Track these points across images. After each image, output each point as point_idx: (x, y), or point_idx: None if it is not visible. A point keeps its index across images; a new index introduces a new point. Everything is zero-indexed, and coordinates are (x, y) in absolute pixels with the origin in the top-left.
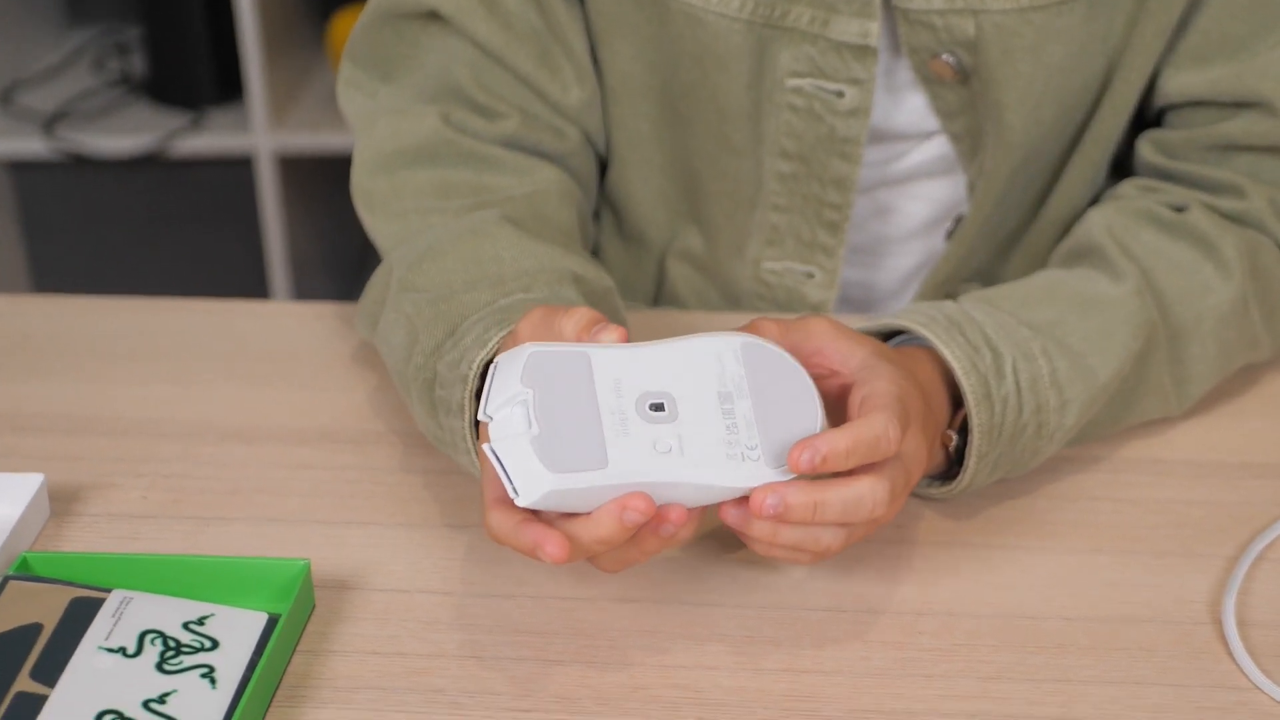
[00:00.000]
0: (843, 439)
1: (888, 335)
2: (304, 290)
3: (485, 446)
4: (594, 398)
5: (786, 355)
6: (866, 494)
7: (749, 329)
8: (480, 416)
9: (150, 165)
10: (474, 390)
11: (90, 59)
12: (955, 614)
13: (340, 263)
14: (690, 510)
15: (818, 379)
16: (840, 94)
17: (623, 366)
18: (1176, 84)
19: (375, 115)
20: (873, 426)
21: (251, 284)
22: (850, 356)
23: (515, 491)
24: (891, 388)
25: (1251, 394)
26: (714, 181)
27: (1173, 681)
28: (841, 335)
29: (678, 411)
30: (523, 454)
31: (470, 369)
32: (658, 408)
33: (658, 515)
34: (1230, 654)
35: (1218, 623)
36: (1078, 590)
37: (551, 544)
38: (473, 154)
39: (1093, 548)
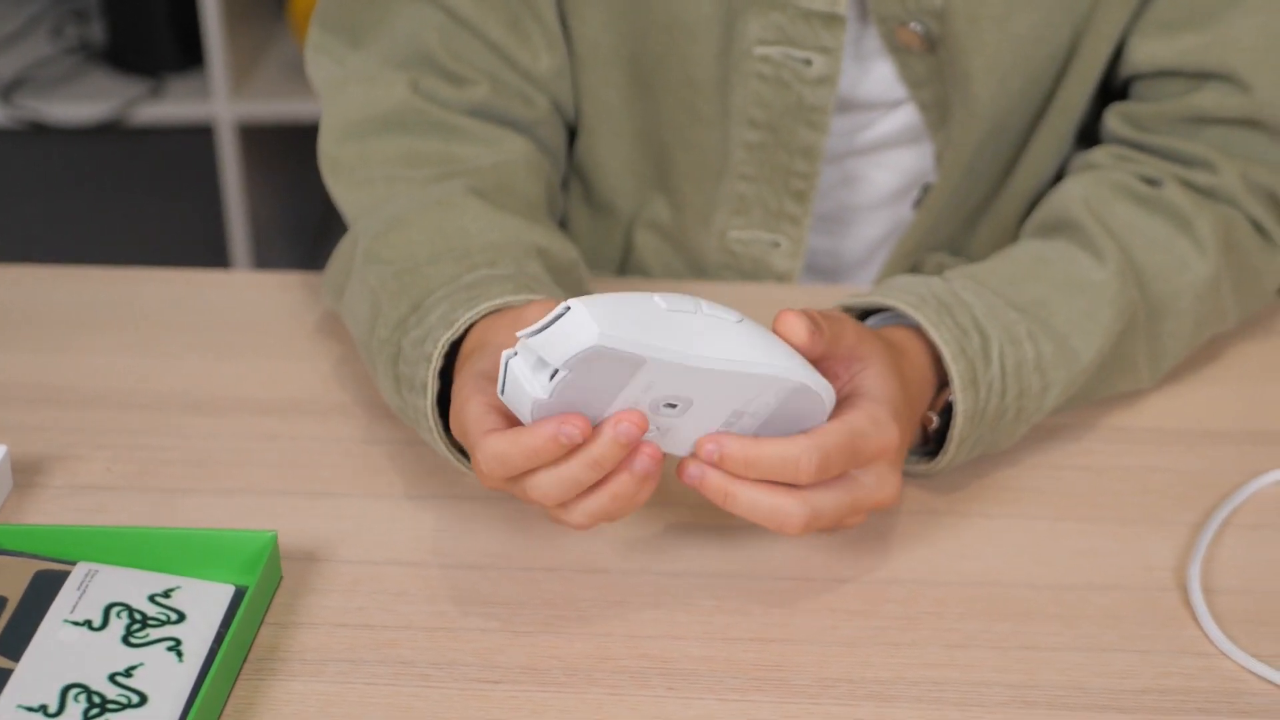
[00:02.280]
0: (744, 449)
1: (871, 310)
2: (264, 259)
3: (505, 354)
4: (619, 393)
5: (827, 408)
6: (779, 507)
7: (815, 329)
8: (520, 333)
9: (110, 133)
10: (438, 369)
11: (48, 26)
12: (922, 582)
13: (300, 232)
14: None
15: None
16: (808, 62)
17: (668, 378)
18: (1144, 53)
19: (344, 82)
20: (785, 451)
21: (212, 253)
22: (858, 366)
23: (501, 391)
24: (859, 423)
25: (1215, 362)
26: (682, 151)
27: (1139, 648)
28: (861, 344)
29: (686, 413)
30: (522, 404)
31: (435, 348)
32: (671, 405)
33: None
34: (1196, 620)
35: (1183, 589)
36: (1044, 558)
37: (570, 421)
38: (441, 123)
39: (1058, 515)
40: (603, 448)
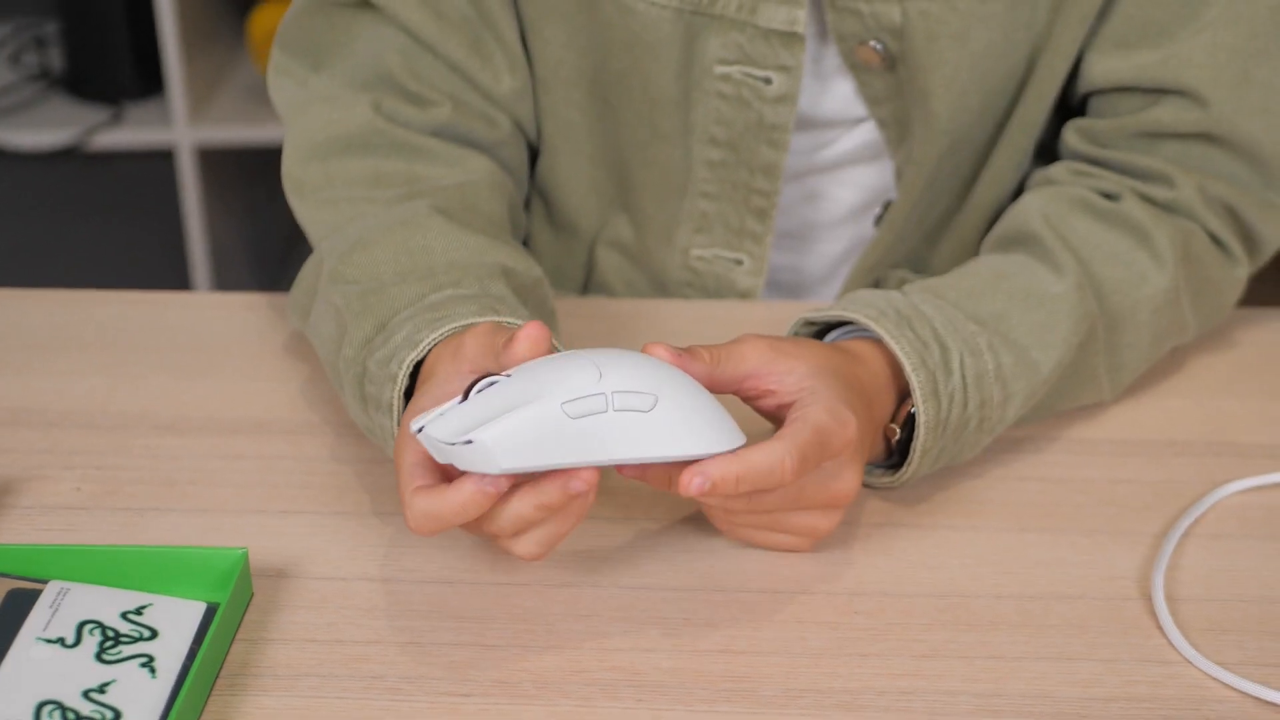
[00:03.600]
0: (731, 468)
1: (834, 324)
2: (225, 284)
3: (413, 426)
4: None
5: None
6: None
7: (686, 353)
8: (430, 431)
9: (70, 159)
10: (404, 389)
11: (8, 53)
12: (888, 594)
13: (261, 256)
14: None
15: (753, 399)
16: (768, 81)
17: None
18: (1100, 70)
19: (306, 103)
20: (767, 458)
21: (173, 278)
22: (787, 375)
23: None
24: (820, 418)
25: (1175, 374)
26: (643, 169)
27: (1103, 657)
28: (778, 355)
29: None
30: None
31: (400, 368)
32: None
33: (567, 473)
34: (1160, 629)
35: (1147, 598)
36: (1008, 568)
37: (489, 477)
38: (404, 144)
39: (1022, 527)
40: (551, 495)
